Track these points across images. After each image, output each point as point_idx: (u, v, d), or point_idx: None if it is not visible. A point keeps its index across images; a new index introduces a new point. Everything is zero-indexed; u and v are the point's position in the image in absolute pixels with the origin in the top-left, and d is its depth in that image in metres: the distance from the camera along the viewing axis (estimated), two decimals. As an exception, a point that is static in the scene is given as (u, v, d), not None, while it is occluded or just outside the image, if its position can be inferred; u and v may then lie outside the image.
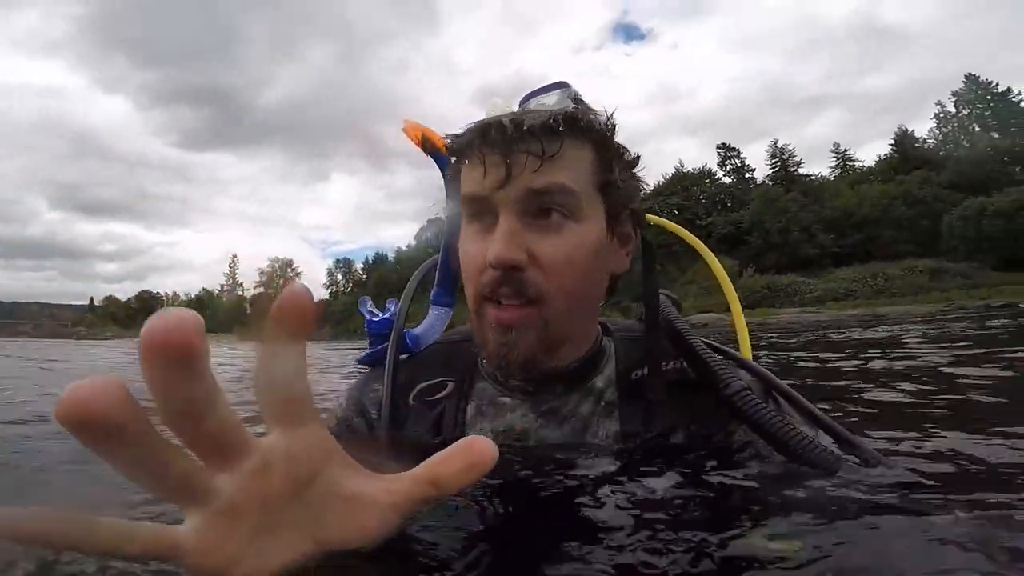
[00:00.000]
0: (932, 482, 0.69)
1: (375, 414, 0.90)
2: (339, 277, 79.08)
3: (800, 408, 0.80)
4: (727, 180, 51.43)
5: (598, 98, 0.83)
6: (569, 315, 0.78)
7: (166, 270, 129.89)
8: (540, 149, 0.72)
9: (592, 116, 0.77)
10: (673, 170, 51.85)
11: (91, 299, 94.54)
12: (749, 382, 0.80)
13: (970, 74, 48.32)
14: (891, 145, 48.99)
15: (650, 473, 0.71)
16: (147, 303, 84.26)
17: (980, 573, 0.42)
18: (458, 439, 0.68)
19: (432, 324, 1.02)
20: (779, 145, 51.43)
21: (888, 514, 0.56)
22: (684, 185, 49.55)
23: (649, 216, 1.13)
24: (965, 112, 47.96)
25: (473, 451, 0.39)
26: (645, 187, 0.88)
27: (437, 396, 0.90)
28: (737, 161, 52.21)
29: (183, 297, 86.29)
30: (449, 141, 0.81)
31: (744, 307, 1.21)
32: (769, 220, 40.70)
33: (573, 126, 0.74)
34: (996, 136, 44.30)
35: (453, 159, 0.82)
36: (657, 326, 0.88)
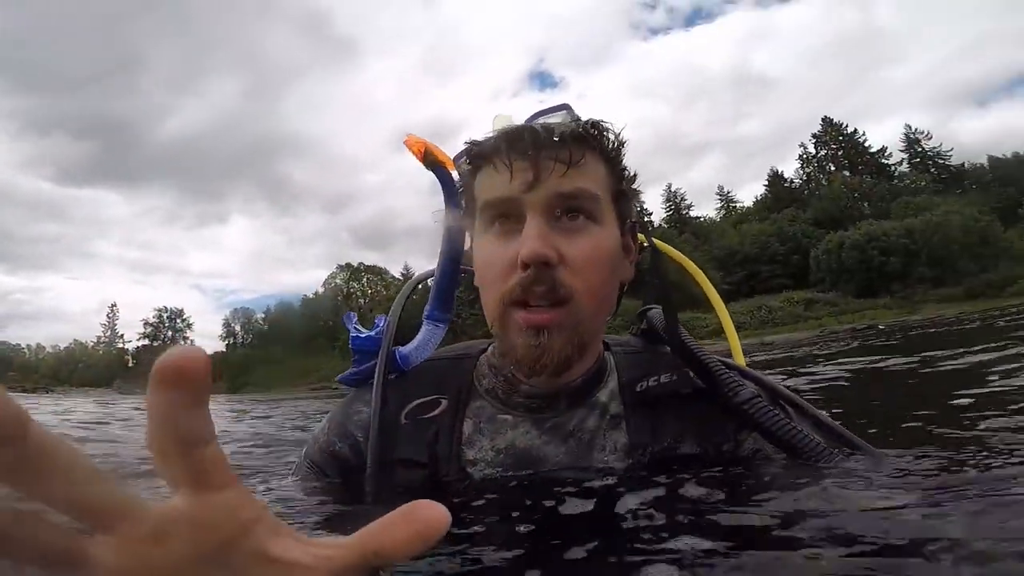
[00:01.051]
0: (932, 479, 0.74)
1: (361, 437, 0.90)
2: (237, 328, 75.13)
3: (806, 414, 0.86)
4: (627, 224, 55.26)
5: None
6: (595, 316, 0.82)
7: (30, 319, 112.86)
8: (568, 155, 0.77)
9: (608, 130, 0.84)
10: (641, 204, 54.95)
11: None
12: (756, 391, 0.84)
13: (826, 116, 55.25)
14: (765, 185, 55.23)
15: (663, 484, 0.72)
16: (3, 356, 75.50)
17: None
18: (455, 458, 0.84)
19: (425, 341, 0.99)
20: (673, 189, 56.33)
21: (900, 512, 0.58)
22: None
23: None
24: (823, 152, 54.57)
25: (419, 518, 0.33)
26: (640, 204, 0.94)
27: (431, 414, 0.89)
28: (636, 205, 56.14)
29: (49, 349, 78.72)
30: (470, 146, 0.85)
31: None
32: (666, 262, 44.15)
33: (596, 137, 0.82)
34: (848, 174, 50.89)
35: (468, 167, 0.87)
36: (646, 334, 0.97)
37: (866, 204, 45.71)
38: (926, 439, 1.55)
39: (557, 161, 0.77)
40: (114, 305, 75.46)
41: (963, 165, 47.88)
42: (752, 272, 42.08)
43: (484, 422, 0.88)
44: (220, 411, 7.07)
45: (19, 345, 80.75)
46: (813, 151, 55.04)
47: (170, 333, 72.75)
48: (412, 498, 0.58)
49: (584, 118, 0.86)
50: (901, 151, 50.98)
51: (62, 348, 77.38)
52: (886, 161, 51.55)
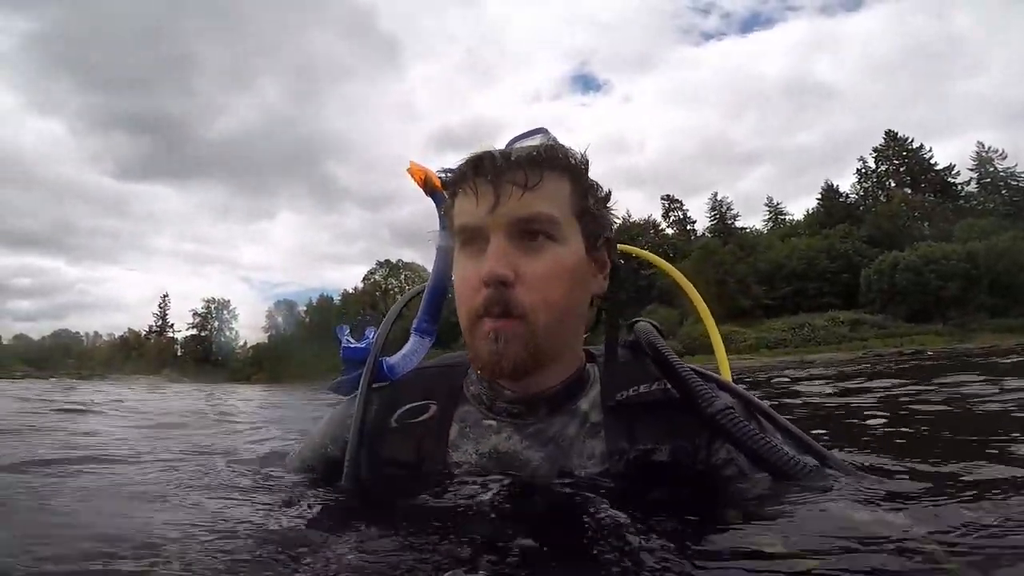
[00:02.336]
0: (899, 491, 0.80)
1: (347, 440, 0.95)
2: (279, 320, 76.62)
3: (779, 426, 0.92)
4: (671, 231, 54.68)
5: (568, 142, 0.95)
6: (553, 328, 0.87)
7: (89, 308, 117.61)
8: (524, 179, 0.84)
9: (569, 152, 0.91)
10: (620, 220, 54.15)
11: None
12: (731, 403, 0.89)
13: (889, 130, 52.65)
14: (818, 199, 53.06)
15: (635, 490, 0.78)
16: (63, 343, 78.83)
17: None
18: (440, 459, 0.92)
19: (411, 351, 1.06)
20: (719, 198, 55.32)
21: (862, 520, 0.63)
22: (630, 235, 51.86)
23: (630, 248, 1.38)
24: (884, 167, 52.16)
25: None
26: (616, 220, 0.99)
27: (420, 419, 0.96)
28: (680, 213, 55.59)
29: (105, 337, 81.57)
30: (444, 175, 0.94)
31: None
32: (708, 272, 43.37)
33: (553, 160, 0.87)
34: (909, 192, 48.60)
35: (447, 193, 0.95)
36: (632, 347, 1.01)
37: (926, 224, 43.74)
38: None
39: (515, 185, 0.84)
40: (166, 295, 77.42)
41: (1039, 188, 44.81)
42: (798, 289, 40.93)
43: (470, 427, 0.94)
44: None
45: (78, 333, 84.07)
46: (873, 165, 52.80)
47: (216, 324, 74.98)
48: (397, 496, 0.85)
49: (557, 142, 0.92)
50: (970, 170, 48.30)
51: (117, 337, 80.00)
52: (952, 180, 49.13)
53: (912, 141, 51.36)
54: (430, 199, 1.06)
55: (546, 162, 0.86)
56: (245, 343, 76.74)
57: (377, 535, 0.72)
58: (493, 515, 0.72)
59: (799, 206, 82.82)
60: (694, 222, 55.30)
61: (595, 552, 0.56)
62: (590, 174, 0.94)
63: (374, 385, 1.00)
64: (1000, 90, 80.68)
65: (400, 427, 0.97)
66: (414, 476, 0.91)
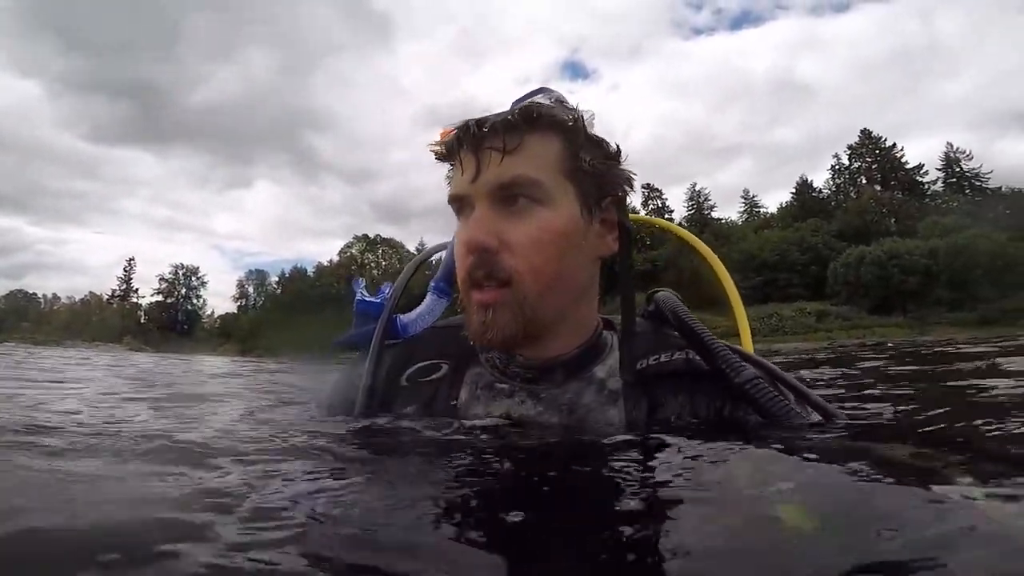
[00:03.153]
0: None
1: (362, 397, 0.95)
2: (250, 290, 74.48)
3: (807, 399, 0.86)
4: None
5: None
6: (544, 295, 0.83)
7: (50, 269, 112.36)
8: (502, 144, 0.82)
9: (555, 109, 0.86)
10: (635, 176, 54.85)
11: None
12: (757, 373, 0.85)
13: (865, 129, 54.13)
14: (792, 193, 54.76)
15: (655, 461, 0.72)
16: (19, 304, 75.67)
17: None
18: (449, 420, 0.87)
19: (427, 311, 1.05)
20: (697, 189, 56.50)
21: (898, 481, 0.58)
22: (640, 223, 52.48)
23: (650, 219, 1.49)
24: (857, 165, 53.73)
25: None
26: (633, 175, 0.92)
27: (431, 377, 0.95)
28: (659, 202, 56.39)
29: (64, 300, 78.25)
30: (438, 148, 0.90)
31: None
32: (683, 260, 44.29)
33: (532, 121, 0.83)
34: (879, 189, 50.15)
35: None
36: (653, 316, 0.99)
37: (893, 220, 45.24)
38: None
39: (493, 150, 0.83)
40: (132, 259, 74.31)
41: (1000, 188, 46.53)
42: (769, 279, 42.23)
43: (481, 388, 0.92)
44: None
45: (35, 295, 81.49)
46: (847, 162, 54.39)
47: (184, 291, 72.88)
48: (406, 448, 0.80)
49: (564, 99, 0.92)
50: (939, 169, 49.90)
51: (77, 300, 76.67)
52: (920, 178, 50.70)
53: (885, 140, 53.02)
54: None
55: (525, 124, 0.84)
56: (213, 312, 75.07)
57: (369, 489, 0.65)
58: (499, 470, 0.70)
59: (774, 199, 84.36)
60: (672, 211, 56.07)
61: (606, 522, 0.53)
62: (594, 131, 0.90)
63: (386, 342, 1.01)
64: (973, 93, 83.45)
65: (411, 385, 0.96)
66: (421, 432, 0.87)
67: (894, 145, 52.50)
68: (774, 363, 0.89)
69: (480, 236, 0.81)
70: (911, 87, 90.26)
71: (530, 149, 0.83)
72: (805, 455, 0.67)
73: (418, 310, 1.06)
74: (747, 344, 1.27)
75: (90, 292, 77.43)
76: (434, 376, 0.95)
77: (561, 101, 0.90)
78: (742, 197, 57.76)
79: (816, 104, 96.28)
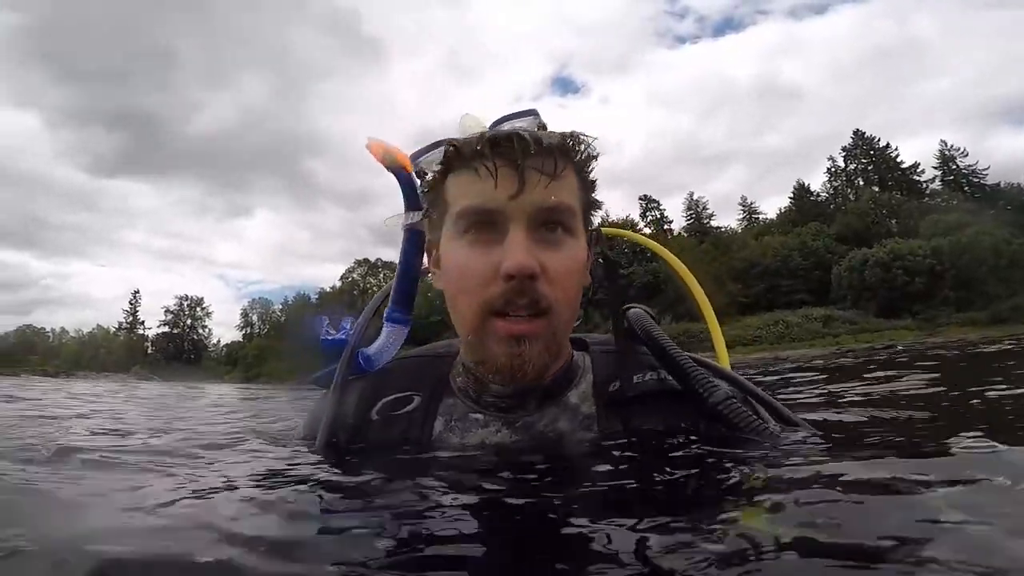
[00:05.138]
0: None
1: (331, 435, 0.91)
2: (254, 318, 75.20)
3: (775, 412, 0.87)
4: (648, 231, 54.99)
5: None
6: (569, 324, 0.86)
7: (56, 304, 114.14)
8: (553, 167, 0.79)
9: (587, 142, 0.86)
10: (598, 220, 55.06)
11: None
12: (730, 391, 0.85)
13: (857, 130, 53.82)
14: (790, 198, 54.11)
15: (636, 485, 0.72)
16: (28, 339, 76.41)
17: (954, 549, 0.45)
18: (424, 451, 0.85)
19: (388, 342, 1.01)
20: (694, 198, 55.90)
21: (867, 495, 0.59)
22: (608, 236, 52.35)
23: (618, 231, 1.41)
24: (852, 166, 53.37)
25: None
26: (602, 207, 0.94)
27: (402, 411, 0.91)
28: (657, 212, 55.87)
29: (72, 334, 79.26)
30: (448, 147, 0.83)
31: None
32: (615, 264, 43.71)
33: (576, 150, 0.84)
34: (877, 190, 49.58)
35: (438, 168, 0.86)
36: (627, 334, 0.94)
37: (894, 221, 44.58)
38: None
39: (542, 172, 0.79)
40: (137, 291, 75.62)
41: (999, 184, 46.27)
42: (772, 285, 41.44)
43: (456, 420, 0.90)
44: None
45: (43, 329, 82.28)
46: (842, 164, 53.90)
47: (189, 321, 73.48)
48: (384, 478, 0.76)
49: (549, 126, 0.88)
50: (935, 167, 49.54)
51: (85, 333, 78.01)
52: (918, 177, 50.22)
53: (879, 140, 52.49)
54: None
55: (571, 151, 0.83)
56: (219, 341, 75.48)
57: (348, 524, 0.65)
58: (475, 501, 0.68)
59: (772, 205, 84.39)
60: (671, 221, 55.65)
61: (581, 547, 0.54)
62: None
63: (351, 377, 0.95)
64: (960, 90, 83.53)
65: (382, 419, 0.92)
66: (397, 462, 0.86)
67: (888, 145, 52.08)
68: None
69: (529, 261, 0.77)
70: (897, 87, 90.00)
71: (568, 177, 0.83)
72: (776, 470, 0.69)
73: (378, 342, 1.01)
74: (722, 355, 1.24)
75: (97, 325, 78.66)
76: (406, 409, 0.92)
77: (544, 127, 0.88)
78: (740, 204, 56.97)
79: (804, 107, 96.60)
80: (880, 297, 35.95)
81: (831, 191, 53.59)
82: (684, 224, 55.02)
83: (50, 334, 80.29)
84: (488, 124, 0.90)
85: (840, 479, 0.63)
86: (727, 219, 65.69)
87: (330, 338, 1.00)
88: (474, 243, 0.81)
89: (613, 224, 54.14)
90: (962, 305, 33.36)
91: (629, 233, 1.64)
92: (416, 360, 1.01)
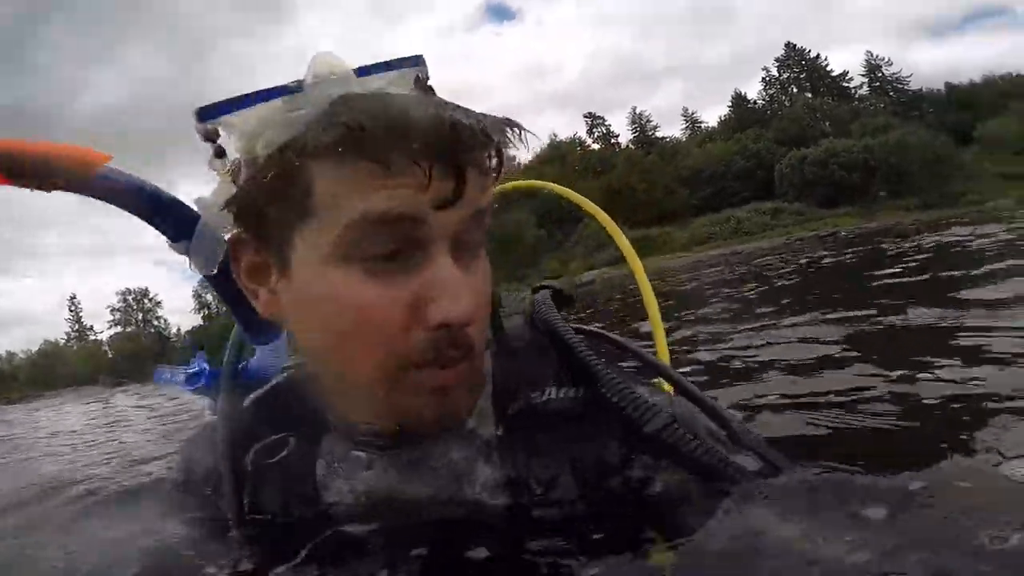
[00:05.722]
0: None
1: (209, 490, 0.74)
2: (208, 297, 69.06)
3: (725, 426, 0.67)
4: (596, 147, 55.52)
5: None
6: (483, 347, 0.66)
7: None
8: (496, 158, 0.57)
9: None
10: (548, 140, 55.02)
11: None
12: (668, 407, 0.64)
13: (789, 42, 55.83)
14: (729, 107, 55.69)
15: (544, 529, 0.60)
16: None
17: None
18: (311, 503, 0.68)
19: (268, 352, 0.82)
20: (638, 112, 56.45)
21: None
22: (560, 153, 52.53)
23: (543, 184, 1.31)
24: (786, 75, 55.43)
25: None
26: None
27: (276, 458, 0.70)
28: (604, 129, 56.46)
29: (21, 355, 72.76)
30: (354, 131, 0.50)
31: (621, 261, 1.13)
32: (635, 181, 44.79)
33: (507, 140, 0.58)
34: (810, 96, 51.92)
35: (292, 157, 0.53)
36: (533, 326, 0.74)
37: (827, 124, 46.57)
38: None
39: (480, 170, 0.55)
40: (73, 297, 70.54)
41: (920, 90, 49.25)
42: (719, 188, 42.73)
43: (338, 461, 0.69)
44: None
45: None
46: (776, 74, 55.75)
47: (140, 315, 69.01)
48: (277, 558, 0.61)
49: (429, 72, 0.63)
50: (862, 75, 52.04)
51: (34, 351, 71.26)
52: (847, 84, 52.42)
53: (810, 51, 54.73)
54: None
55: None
56: (179, 329, 70.87)
57: None
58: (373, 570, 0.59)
59: (712, 114, 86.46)
60: (617, 136, 56.36)
61: None
62: None
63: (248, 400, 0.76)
64: (884, 7, 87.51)
65: (256, 470, 0.71)
66: (286, 526, 0.69)
67: (818, 56, 54.39)
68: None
69: (473, 307, 0.57)
70: (824, 2, 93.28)
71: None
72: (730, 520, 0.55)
73: (258, 356, 0.82)
74: (653, 314, 1.06)
75: (44, 340, 72.51)
76: (280, 455, 0.70)
77: (425, 79, 0.63)
78: (682, 115, 58.23)
79: (738, 23, 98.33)
80: (819, 192, 37.62)
81: (767, 99, 55.37)
82: (631, 137, 55.68)
83: (0, 358, 73.62)
84: (352, 70, 0.61)
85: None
86: (671, 130, 66.70)
87: (192, 384, 0.84)
88: (375, 272, 0.55)
89: (564, 143, 53.80)
90: (894, 194, 35.69)
91: (528, 183, 1.42)
92: (284, 391, 0.76)
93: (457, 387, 0.61)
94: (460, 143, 0.52)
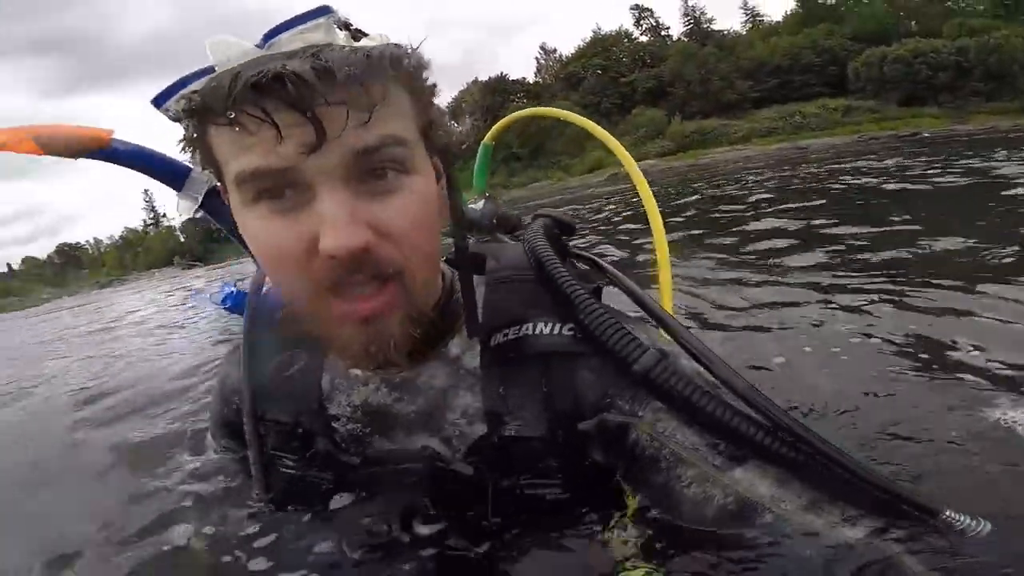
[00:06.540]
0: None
1: (238, 401, 0.82)
2: None
3: (727, 385, 0.60)
4: (644, 39, 50.62)
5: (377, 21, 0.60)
6: (430, 282, 0.68)
7: (80, 219, 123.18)
8: (363, 98, 0.55)
9: (406, 52, 0.61)
10: (591, 33, 50.57)
11: (8, 265, 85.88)
12: (658, 345, 0.64)
13: (868, -65, 49.29)
14: (796, 1, 49.73)
15: (512, 469, 0.65)
16: (70, 256, 79.56)
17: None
18: (318, 416, 0.74)
19: None
20: (690, 3, 50.94)
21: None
22: (604, 46, 48.87)
23: (548, 110, 1.34)
24: (865, -29, 49.41)
25: None
26: (442, 112, 0.71)
27: (290, 371, 0.79)
28: (652, 21, 51.55)
29: (107, 241, 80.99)
30: (188, 98, 0.57)
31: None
32: (689, 73, 40.62)
33: (397, 66, 0.59)
34: (893, -7, 46.20)
35: (191, 122, 0.59)
36: (468, 276, 0.72)
37: (913, 23, 41.34)
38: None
39: (350, 107, 0.55)
40: (147, 189, 74.94)
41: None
42: (784, 81, 38.40)
43: (339, 377, 0.77)
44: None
45: (79, 243, 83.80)
46: (853, -31, 49.74)
47: None
48: (288, 476, 0.78)
49: (353, 25, 0.62)
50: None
51: (117, 237, 79.55)
52: (938, -18, 46.54)
53: (892, -53, 48.54)
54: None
55: (390, 68, 0.58)
56: None
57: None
58: (352, 498, 0.72)
59: (776, 9, 79.49)
60: (668, 28, 51.43)
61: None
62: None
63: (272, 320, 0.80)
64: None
65: (273, 381, 0.79)
66: (296, 437, 0.77)
67: (906, -51, 48.32)
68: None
69: (355, 239, 0.56)
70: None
71: (391, 102, 0.60)
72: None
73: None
74: (663, 262, 1.02)
75: (125, 227, 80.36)
76: (293, 369, 0.79)
77: (349, 27, 0.63)
78: (741, 8, 52.22)
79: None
80: (903, 89, 33.30)
81: (842, -6, 49.57)
82: (683, 30, 50.61)
83: (88, 246, 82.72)
84: (256, 43, 0.59)
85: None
86: (728, 23, 61.13)
87: (227, 305, 0.88)
88: (272, 214, 0.57)
89: (608, 37, 48.87)
90: (991, 96, 31.31)
91: (532, 111, 1.45)
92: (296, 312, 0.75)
93: (381, 317, 0.61)
94: (307, 91, 0.52)
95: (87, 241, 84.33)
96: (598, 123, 1.24)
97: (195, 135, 0.60)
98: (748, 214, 4.51)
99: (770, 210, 4.60)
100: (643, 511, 0.58)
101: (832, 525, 0.50)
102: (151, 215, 75.48)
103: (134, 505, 0.90)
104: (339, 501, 0.72)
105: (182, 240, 70.46)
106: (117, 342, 4.09)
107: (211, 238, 70.61)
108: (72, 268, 72.74)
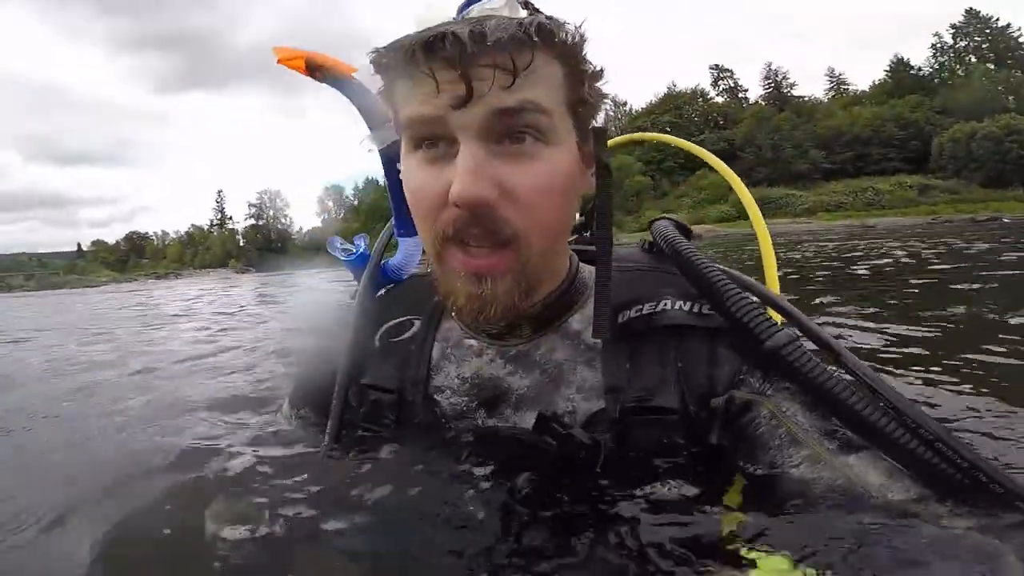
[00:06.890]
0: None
1: (333, 369, 0.82)
2: (330, 204, 79.03)
3: (842, 365, 0.63)
4: (720, 100, 50.68)
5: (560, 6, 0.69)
6: (548, 253, 0.68)
7: (154, 210, 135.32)
8: (510, 62, 0.60)
9: (563, 26, 0.64)
10: (665, 90, 51.13)
11: (79, 244, 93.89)
12: (792, 333, 0.64)
13: (970, 8, 48.09)
14: (886, 71, 48.32)
15: (633, 444, 0.64)
16: (136, 244, 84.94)
17: None
18: (421, 385, 0.76)
19: (408, 251, 0.91)
20: (772, 67, 50.61)
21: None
22: (676, 104, 49.13)
23: (650, 135, 1.26)
24: (963, 43, 47.84)
25: None
26: (608, 102, 0.73)
27: (402, 337, 0.81)
28: (731, 82, 51.37)
29: (172, 235, 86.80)
30: (376, 56, 0.65)
31: (736, 218, 0.88)
32: (761, 137, 40.38)
33: (546, 37, 0.62)
34: (992, 67, 44.22)
35: (385, 76, 0.67)
36: (651, 250, 0.78)
37: (1011, 99, 39.25)
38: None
39: (497, 69, 0.60)
40: (220, 191, 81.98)
41: None
42: (861, 154, 37.29)
43: (452, 347, 0.79)
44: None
45: (146, 233, 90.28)
46: (950, 41, 48.14)
47: (271, 212, 77.99)
48: (374, 439, 0.77)
49: (534, 7, 0.67)
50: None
51: (183, 233, 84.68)
52: (1043, 58, 44.03)
53: (996, 20, 46.75)
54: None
55: (539, 40, 0.61)
56: (301, 228, 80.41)
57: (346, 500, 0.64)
58: (463, 461, 0.67)
59: (862, 78, 77.40)
60: (746, 90, 51.08)
61: (559, 535, 0.53)
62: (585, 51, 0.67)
63: (379, 293, 0.88)
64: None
65: (383, 347, 0.81)
66: (396, 403, 0.77)
67: (1008, 24, 45.93)
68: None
69: (477, 190, 0.60)
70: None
71: (538, 72, 0.62)
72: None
73: (399, 254, 0.93)
74: (771, 274, 0.99)
75: (192, 224, 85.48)
76: (406, 335, 0.81)
77: (530, 5, 0.69)
78: (826, 75, 51.14)
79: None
80: (988, 169, 31.53)
81: (936, 66, 47.63)
82: (762, 93, 50.17)
83: (154, 237, 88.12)
84: (454, 12, 0.69)
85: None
86: (811, 89, 60.05)
87: (352, 256, 0.93)
88: (423, 161, 0.65)
89: (681, 95, 49.36)
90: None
91: (644, 135, 1.32)
92: (417, 282, 0.88)
93: (494, 277, 0.64)
94: (461, 50, 0.58)
95: (154, 232, 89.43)
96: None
97: (384, 87, 0.68)
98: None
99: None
100: (748, 492, 0.59)
101: (939, 517, 0.52)
102: (218, 215, 79.62)
103: (186, 472, 0.80)
104: (423, 473, 0.70)
105: (241, 244, 75.35)
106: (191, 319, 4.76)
107: (268, 247, 74.74)
108: (134, 256, 78.27)
